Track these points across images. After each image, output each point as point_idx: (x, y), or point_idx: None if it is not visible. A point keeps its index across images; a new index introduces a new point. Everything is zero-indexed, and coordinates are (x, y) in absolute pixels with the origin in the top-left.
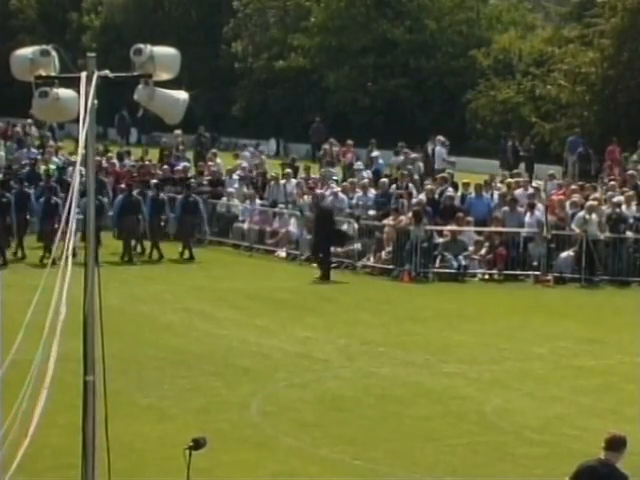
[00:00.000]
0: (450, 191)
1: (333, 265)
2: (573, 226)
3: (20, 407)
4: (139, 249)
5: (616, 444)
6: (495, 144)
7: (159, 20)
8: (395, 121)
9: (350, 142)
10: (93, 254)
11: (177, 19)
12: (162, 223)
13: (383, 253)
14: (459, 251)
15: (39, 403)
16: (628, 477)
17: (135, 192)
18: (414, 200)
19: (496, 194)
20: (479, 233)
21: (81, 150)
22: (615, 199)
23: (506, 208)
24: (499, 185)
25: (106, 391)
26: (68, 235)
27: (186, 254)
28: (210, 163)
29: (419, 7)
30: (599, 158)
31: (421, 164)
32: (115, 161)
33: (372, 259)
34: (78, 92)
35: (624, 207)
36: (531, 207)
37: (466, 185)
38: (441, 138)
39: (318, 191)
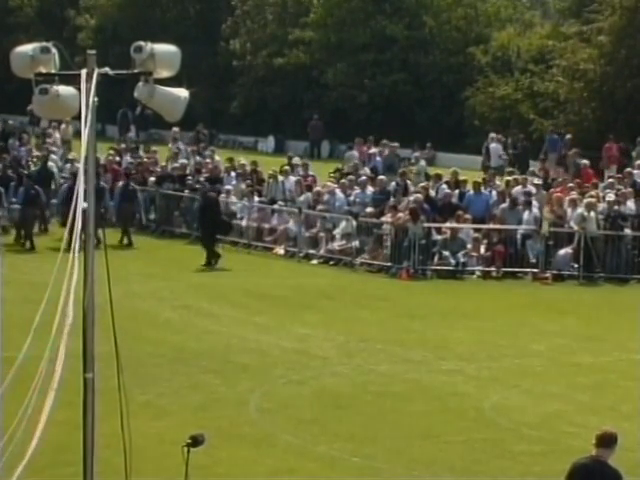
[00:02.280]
0: (444, 188)
1: (324, 262)
2: (572, 223)
3: (27, 407)
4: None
5: (607, 440)
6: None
7: (156, 17)
8: (393, 118)
9: (385, 142)
10: (92, 252)
11: (174, 16)
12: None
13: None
14: (458, 248)
15: (47, 403)
16: (620, 473)
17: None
18: (411, 197)
19: (494, 191)
20: (477, 230)
21: (84, 147)
22: (611, 196)
23: (504, 205)
24: (497, 182)
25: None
26: (74, 237)
27: (125, 240)
28: (208, 160)
29: (417, 3)
30: (597, 155)
31: (423, 162)
32: (116, 158)
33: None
34: (78, 89)
35: (626, 203)
36: (528, 204)
37: (464, 182)
38: (495, 135)
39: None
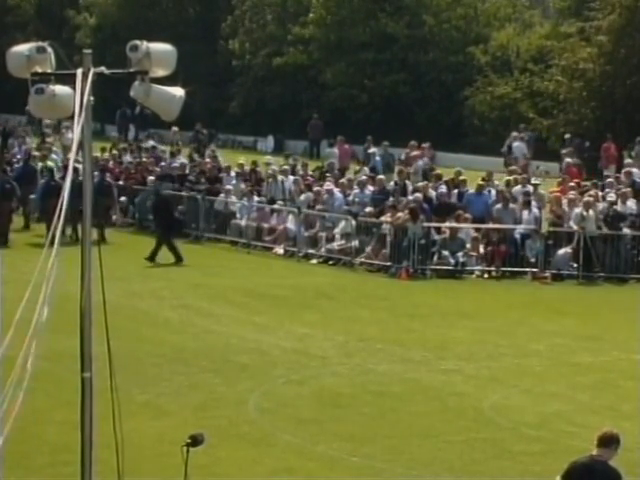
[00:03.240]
0: (443, 188)
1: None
2: (571, 223)
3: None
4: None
5: (608, 441)
6: (493, 140)
7: (155, 16)
8: (393, 117)
9: (426, 145)
10: (89, 250)
11: (174, 15)
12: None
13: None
14: (457, 248)
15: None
16: (620, 473)
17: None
18: (410, 197)
19: (494, 191)
20: (477, 230)
21: (75, 147)
22: (612, 196)
23: (499, 205)
24: (496, 182)
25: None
26: (58, 235)
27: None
28: (207, 160)
29: (418, 3)
30: (596, 155)
31: (420, 162)
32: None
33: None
34: (74, 89)
35: (626, 203)
36: (527, 204)
37: (463, 182)
38: (518, 134)
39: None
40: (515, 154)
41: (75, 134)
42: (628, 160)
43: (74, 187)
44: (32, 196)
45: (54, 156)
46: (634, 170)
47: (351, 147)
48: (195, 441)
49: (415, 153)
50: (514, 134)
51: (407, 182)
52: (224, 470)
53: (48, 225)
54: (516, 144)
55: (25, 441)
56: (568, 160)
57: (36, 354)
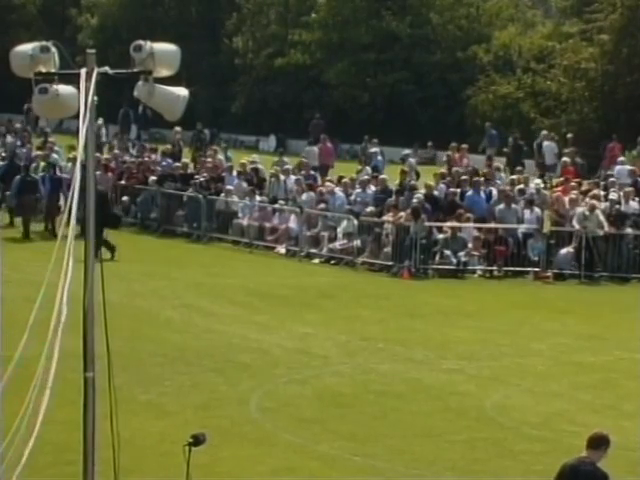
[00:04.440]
0: (442, 188)
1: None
2: (573, 222)
3: (27, 407)
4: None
5: (597, 442)
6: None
7: (157, 16)
8: (395, 117)
9: (465, 146)
10: (93, 250)
11: (175, 15)
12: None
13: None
14: (459, 248)
15: (43, 402)
16: (607, 474)
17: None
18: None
19: (495, 191)
20: (479, 229)
21: (81, 147)
22: (614, 195)
23: (501, 206)
24: (498, 182)
25: (111, 387)
26: (70, 236)
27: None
28: (209, 160)
29: (421, 2)
30: (596, 154)
31: (413, 160)
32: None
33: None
34: (78, 88)
35: (625, 203)
36: (530, 204)
37: (465, 182)
38: (548, 132)
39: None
40: (545, 153)
41: (80, 134)
42: (622, 158)
43: (53, 183)
44: (8, 192)
45: (55, 155)
46: (627, 168)
47: (335, 146)
48: (197, 440)
49: (457, 155)
50: (544, 133)
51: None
52: (226, 469)
53: (24, 220)
54: (546, 143)
55: (26, 441)
56: (565, 160)
57: (47, 355)
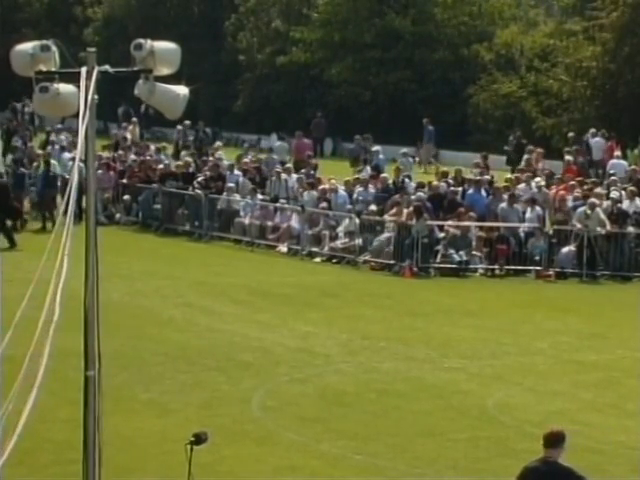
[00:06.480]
0: (443, 186)
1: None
2: (574, 221)
3: (8, 404)
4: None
5: (554, 440)
6: (497, 139)
7: (159, 15)
8: (397, 116)
9: (540, 150)
10: (94, 249)
11: (179, 13)
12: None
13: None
14: (465, 246)
15: (29, 401)
16: (572, 469)
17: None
18: (413, 197)
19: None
20: (480, 228)
21: (80, 145)
22: (616, 194)
23: (503, 205)
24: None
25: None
26: (65, 232)
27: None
28: (211, 158)
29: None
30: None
31: (410, 159)
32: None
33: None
34: (78, 87)
35: (626, 202)
36: (532, 202)
37: (467, 180)
38: (596, 130)
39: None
40: (593, 149)
41: (80, 132)
42: (617, 153)
43: (47, 178)
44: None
45: (55, 155)
46: (622, 162)
47: (310, 142)
48: (199, 439)
49: (535, 156)
50: (592, 130)
51: (407, 180)
52: (228, 468)
53: (43, 216)
54: (595, 140)
55: (29, 439)
56: (568, 158)
57: (41, 353)
